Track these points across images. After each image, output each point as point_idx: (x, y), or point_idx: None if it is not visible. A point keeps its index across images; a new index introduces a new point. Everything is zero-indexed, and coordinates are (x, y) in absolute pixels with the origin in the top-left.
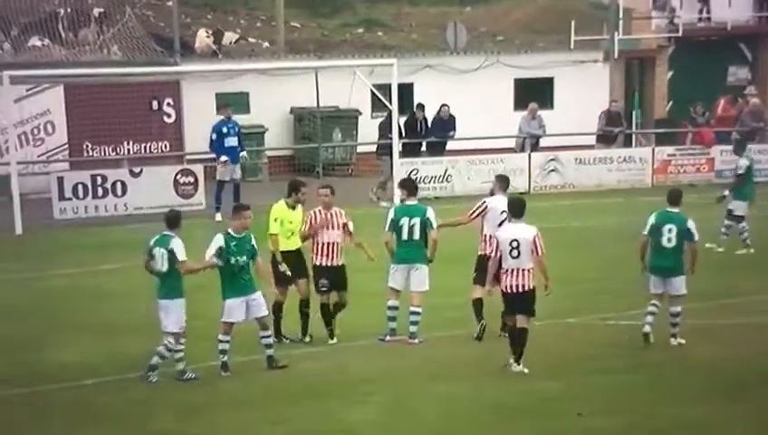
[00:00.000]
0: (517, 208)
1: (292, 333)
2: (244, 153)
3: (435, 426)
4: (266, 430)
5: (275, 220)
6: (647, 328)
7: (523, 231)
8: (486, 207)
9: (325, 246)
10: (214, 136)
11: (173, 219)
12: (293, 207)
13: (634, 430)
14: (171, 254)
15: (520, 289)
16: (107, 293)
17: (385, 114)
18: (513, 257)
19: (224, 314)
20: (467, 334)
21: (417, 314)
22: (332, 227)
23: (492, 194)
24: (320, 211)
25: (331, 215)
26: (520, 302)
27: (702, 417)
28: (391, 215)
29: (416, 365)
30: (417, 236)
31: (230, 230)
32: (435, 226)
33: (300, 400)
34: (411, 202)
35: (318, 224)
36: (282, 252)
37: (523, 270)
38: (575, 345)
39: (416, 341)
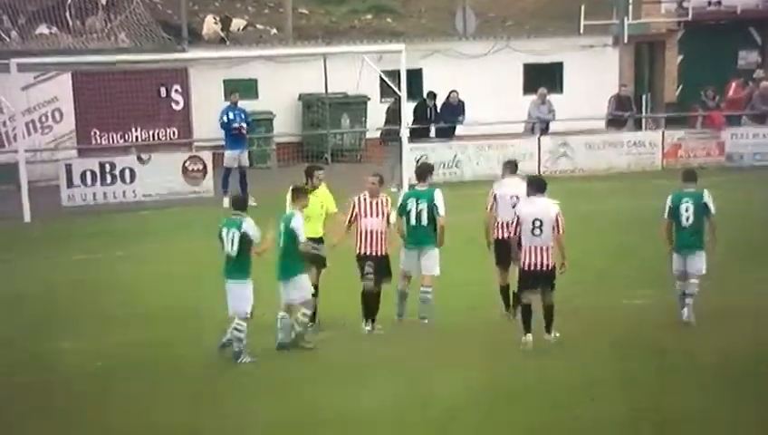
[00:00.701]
0: (539, 185)
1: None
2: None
3: (446, 411)
4: (275, 416)
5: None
6: (685, 312)
7: (546, 208)
8: (495, 195)
9: (368, 235)
10: (224, 118)
11: (241, 202)
12: (310, 193)
13: (645, 416)
14: (244, 236)
15: (543, 268)
16: (116, 280)
17: (392, 100)
18: (536, 235)
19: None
20: (479, 320)
21: (427, 293)
22: (376, 215)
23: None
24: (364, 198)
25: (377, 203)
26: (543, 280)
27: (713, 406)
28: (400, 199)
29: (428, 351)
30: (424, 220)
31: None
32: (442, 212)
33: (312, 385)
34: (421, 187)
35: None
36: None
37: (546, 248)
38: (587, 331)
39: (425, 321)
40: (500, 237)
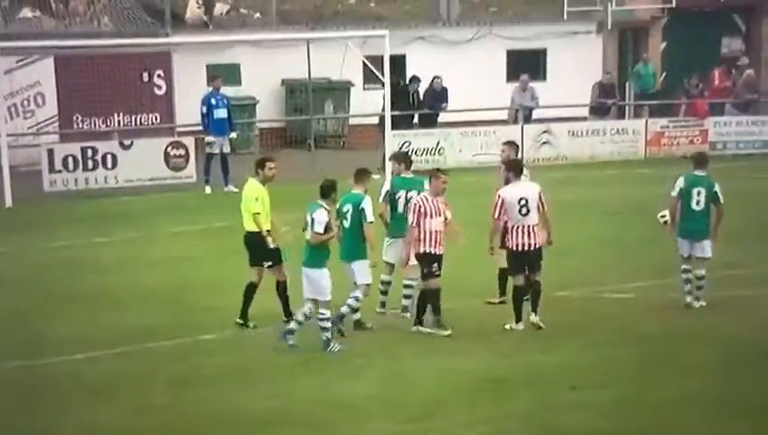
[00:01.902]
0: (518, 168)
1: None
2: (233, 134)
3: (428, 399)
4: (260, 404)
5: (257, 199)
6: (688, 299)
7: (529, 188)
8: (503, 200)
9: (433, 234)
10: (204, 109)
11: (324, 189)
12: (264, 184)
13: (627, 402)
14: (312, 222)
15: (532, 247)
16: (98, 265)
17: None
18: (523, 215)
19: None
20: (461, 308)
21: (411, 287)
22: (439, 215)
23: (507, 183)
24: (427, 199)
25: (437, 202)
26: (532, 259)
27: (695, 390)
28: (387, 187)
29: (411, 339)
30: (400, 209)
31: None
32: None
33: (296, 374)
34: (408, 175)
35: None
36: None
37: (533, 226)
38: (570, 319)
39: (407, 314)
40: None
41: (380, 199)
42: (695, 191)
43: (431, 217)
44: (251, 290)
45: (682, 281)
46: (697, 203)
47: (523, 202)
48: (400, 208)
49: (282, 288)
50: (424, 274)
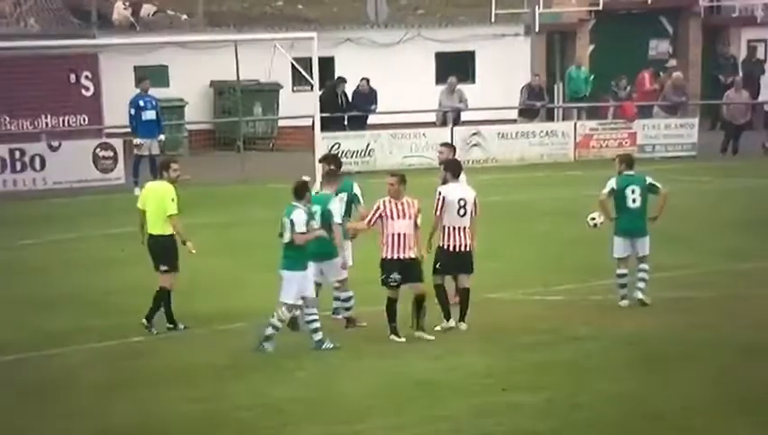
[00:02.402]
0: (457, 168)
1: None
2: (162, 137)
3: (359, 401)
4: (186, 407)
5: (172, 200)
6: (624, 302)
7: (468, 191)
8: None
9: (395, 238)
10: (132, 111)
11: (298, 190)
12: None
13: (558, 404)
14: (291, 224)
15: (465, 248)
16: (26, 267)
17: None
18: (461, 216)
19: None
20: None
21: (340, 289)
22: (403, 217)
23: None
24: (389, 201)
25: (402, 205)
26: (464, 260)
27: (623, 390)
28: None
29: (342, 341)
30: (342, 211)
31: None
32: (362, 201)
33: (223, 377)
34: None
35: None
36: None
37: (467, 228)
38: (500, 321)
39: (339, 317)
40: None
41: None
42: (629, 190)
43: (393, 219)
44: (166, 295)
45: (617, 284)
46: (633, 201)
47: (462, 203)
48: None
49: (167, 296)
50: (381, 280)
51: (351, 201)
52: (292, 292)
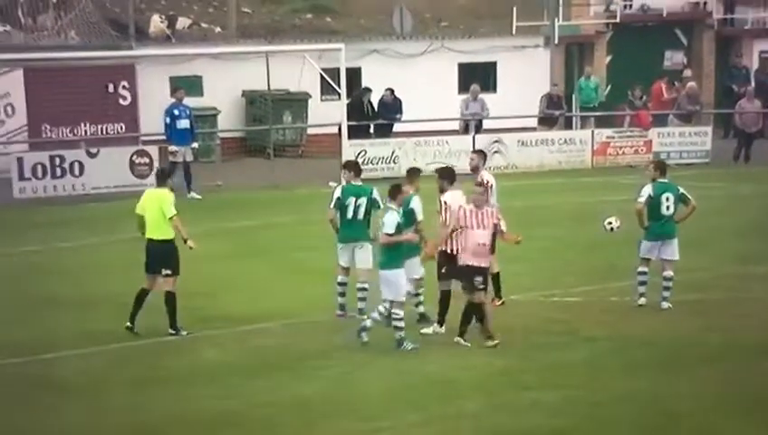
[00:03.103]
0: (452, 175)
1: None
2: (195, 145)
3: (382, 399)
4: (214, 404)
5: (171, 203)
6: (642, 300)
7: (463, 198)
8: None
9: (476, 247)
10: (167, 120)
11: (392, 192)
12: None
13: (575, 402)
14: (382, 225)
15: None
16: (64, 269)
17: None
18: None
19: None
20: (414, 312)
21: (364, 290)
22: (484, 227)
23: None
24: (471, 211)
25: (482, 214)
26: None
27: (639, 389)
28: (338, 193)
29: (365, 341)
30: (361, 215)
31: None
32: (382, 206)
33: (251, 374)
34: (357, 182)
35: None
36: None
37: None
38: (518, 322)
39: (364, 317)
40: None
41: (330, 206)
42: (664, 197)
43: (473, 228)
44: (143, 295)
45: (637, 282)
46: (667, 208)
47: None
48: (350, 215)
49: (168, 298)
50: (464, 287)
51: (371, 206)
52: (393, 289)
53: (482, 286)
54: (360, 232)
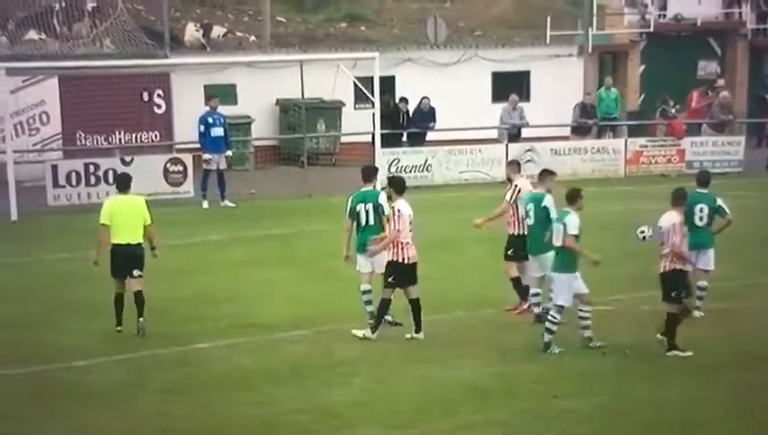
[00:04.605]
0: (401, 185)
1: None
2: (229, 153)
3: (412, 406)
4: (244, 410)
5: (148, 209)
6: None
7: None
8: (519, 188)
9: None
10: (201, 127)
11: (570, 196)
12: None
13: (605, 410)
14: (564, 228)
15: (414, 261)
16: (99, 276)
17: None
18: (410, 231)
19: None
20: (445, 319)
21: (369, 293)
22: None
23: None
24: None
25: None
26: (413, 272)
27: (669, 397)
28: (350, 202)
29: (395, 348)
30: (372, 221)
31: None
32: (387, 211)
33: (283, 381)
34: (368, 188)
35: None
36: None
37: (410, 243)
38: None
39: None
40: (516, 233)
41: (346, 215)
42: (697, 208)
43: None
44: (120, 299)
45: None
46: (700, 219)
47: (410, 218)
48: (362, 222)
49: (141, 296)
50: (676, 296)
51: (376, 210)
52: (564, 294)
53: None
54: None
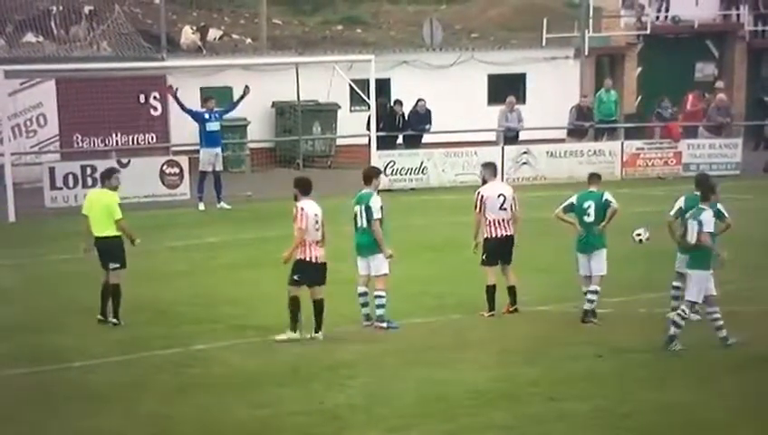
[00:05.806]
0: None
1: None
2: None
3: (413, 408)
4: (245, 412)
5: (118, 205)
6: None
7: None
8: (482, 196)
9: None
10: (194, 109)
11: (705, 192)
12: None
13: (605, 413)
14: (699, 225)
15: (322, 260)
16: (97, 277)
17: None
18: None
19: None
20: (444, 321)
21: (380, 297)
22: None
23: (484, 182)
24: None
25: None
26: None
27: (669, 400)
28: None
29: (395, 351)
30: (364, 223)
31: None
32: (375, 215)
33: (283, 383)
34: (367, 190)
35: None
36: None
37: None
38: (549, 332)
39: (383, 324)
40: (490, 236)
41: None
42: (689, 222)
43: None
44: (106, 290)
45: (671, 296)
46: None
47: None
48: (358, 224)
49: (114, 290)
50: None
51: (366, 212)
52: (694, 290)
53: None
54: (368, 240)
